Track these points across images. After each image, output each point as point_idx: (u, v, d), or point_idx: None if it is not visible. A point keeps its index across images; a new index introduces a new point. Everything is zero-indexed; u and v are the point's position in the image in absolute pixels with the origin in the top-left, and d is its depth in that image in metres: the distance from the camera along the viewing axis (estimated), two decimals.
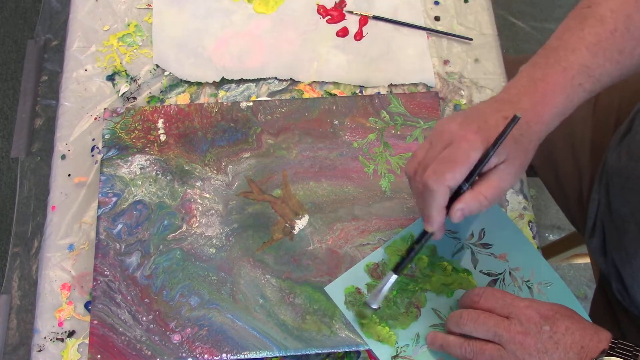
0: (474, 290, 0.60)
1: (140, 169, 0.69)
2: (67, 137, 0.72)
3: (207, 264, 0.65)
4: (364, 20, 0.79)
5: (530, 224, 0.69)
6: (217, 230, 0.66)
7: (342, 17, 0.79)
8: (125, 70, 0.75)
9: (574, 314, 0.56)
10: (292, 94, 0.75)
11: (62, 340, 0.63)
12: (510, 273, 0.65)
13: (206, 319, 0.62)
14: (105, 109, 0.71)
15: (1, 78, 1.62)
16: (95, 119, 0.73)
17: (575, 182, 0.82)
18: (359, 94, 0.75)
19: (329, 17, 0.79)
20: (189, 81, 0.75)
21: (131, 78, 0.75)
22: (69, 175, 0.70)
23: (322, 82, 0.76)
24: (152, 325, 0.62)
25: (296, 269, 0.65)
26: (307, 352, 0.61)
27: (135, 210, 0.66)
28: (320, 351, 0.62)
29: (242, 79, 0.76)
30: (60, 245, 0.67)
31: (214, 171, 0.69)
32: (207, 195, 0.68)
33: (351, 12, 0.80)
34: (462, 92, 0.76)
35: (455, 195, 0.55)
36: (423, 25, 0.79)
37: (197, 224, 0.66)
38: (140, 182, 0.68)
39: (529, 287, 0.64)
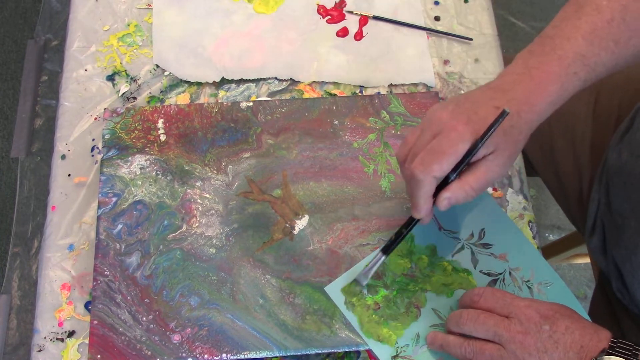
0: (474, 290, 0.60)
1: (140, 169, 0.69)
2: (67, 137, 0.72)
3: (207, 264, 0.64)
4: (364, 20, 0.79)
5: (530, 224, 0.69)
6: (217, 230, 0.66)
7: (342, 17, 0.79)
8: (125, 70, 0.75)
9: (574, 314, 0.56)
10: (292, 94, 0.75)
11: (62, 340, 0.63)
12: (510, 273, 0.65)
13: (206, 319, 0.62)
14: (105, 109, 0.71)
15: (1, 78, 1.62)
16: (95, 119, 0.73)
17: (575, 181, 0.83)
18: (359, 94, 0.75)
19: (329, 17, 0.79)
20: (189, 81, 0.75)
21: (131, 78, 0.75)
22: (69, 175, 0.70)
23: (322, 82, 0.75)
24: (152, 325, 0.62)
25: (296, 269, 0.65)
26: (307, 352, 0.61)
27: (135, 210, 0.66)
28: (320, 351, 0.62)
29: (242, 79, 0.76)
30: (60, 245, 0.67)
31: (214, 171, 0.69)
32: (207, 195, 0.68)
33: (351, 12, 0.80)
34: (462, 92, 0.76)
35: (444, 183, 0.56)
36: (423, 25, 0.79)
37: (197, 224, 0.66)
38: (140, 182, 0.68)
39: (529, 287, 0.64)
